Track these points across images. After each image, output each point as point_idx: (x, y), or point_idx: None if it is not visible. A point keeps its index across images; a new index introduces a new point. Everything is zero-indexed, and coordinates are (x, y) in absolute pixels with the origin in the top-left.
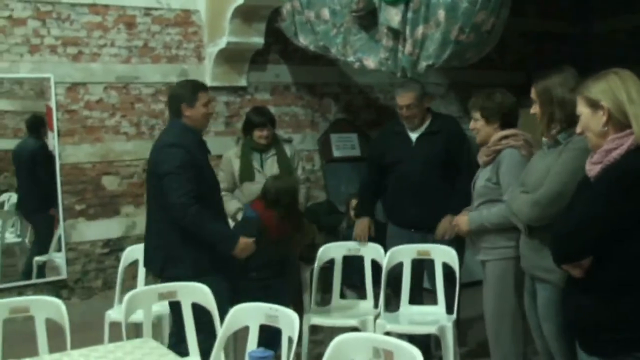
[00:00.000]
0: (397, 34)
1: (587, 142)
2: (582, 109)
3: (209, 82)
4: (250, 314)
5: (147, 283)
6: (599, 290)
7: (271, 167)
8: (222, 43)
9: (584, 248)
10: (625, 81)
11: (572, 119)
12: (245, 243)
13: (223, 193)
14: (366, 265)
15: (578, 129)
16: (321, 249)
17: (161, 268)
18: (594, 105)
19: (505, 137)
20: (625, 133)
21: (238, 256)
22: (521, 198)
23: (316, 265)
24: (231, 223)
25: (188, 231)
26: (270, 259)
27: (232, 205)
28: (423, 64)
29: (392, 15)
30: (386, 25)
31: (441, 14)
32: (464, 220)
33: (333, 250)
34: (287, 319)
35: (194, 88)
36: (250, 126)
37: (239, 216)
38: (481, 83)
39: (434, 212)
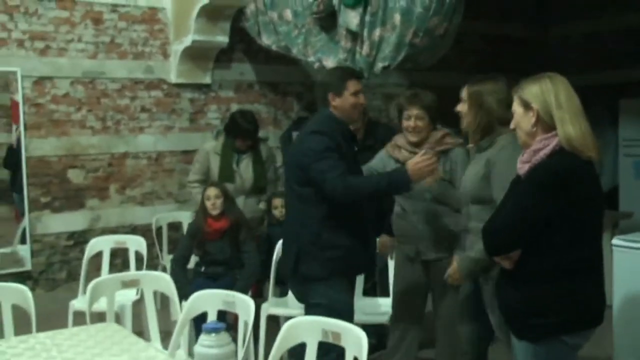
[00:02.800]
0: (355, 36)
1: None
2: (516, 108)
3: (173, 79)
4: (208, 300)
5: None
6: (526, 279)
7: (246, 168)
8: (187, 41)
9: (513, 241)
10: (556, 86)
11: (494, 127)
12: (413, 164)
13: (195, 185)
14: None
15: (511, 125)
16: (280, 242)
17: (294, 266)
18: (526, 105)
19: (446, 135)
20: (552, 134)
21: (419, 179)
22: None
23: (275, 257)
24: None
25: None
26: (216, 257)
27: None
28: (379, 65)
29: (351, 18)
30: (345, 27)
31: (397, 17)
32: (454, 269)
33: None
34: (243, 304)
35: (343, 76)
36: (235, 131)
37: None
38: (440, 84)
39: None
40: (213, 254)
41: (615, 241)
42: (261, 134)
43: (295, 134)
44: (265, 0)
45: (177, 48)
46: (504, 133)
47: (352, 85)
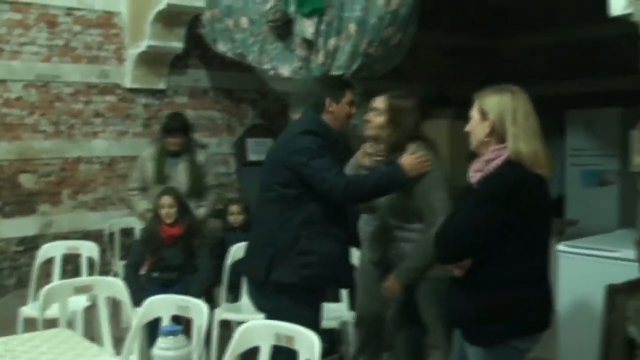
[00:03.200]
0: (310, 45)
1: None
2: (474, 113)
3: (128, 84)
4: (162, 305)
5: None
6: (479, 288)
7: (181, 172)
8: (142, 46)
9: (466, 250)
10: (516, 102)
11: (405, 144)
12: (409, 160)
13: (134, 192)
14: None
15: (466, 129)
16: (234, 247)
17: (266, 272)
18: (483, 114)
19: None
20: (504, 145)
21: (415, 174)
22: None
23: (228, 263)
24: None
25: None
26: (170, 262)
27: (141, 205)
28: (334, 74)
29: (307, 27)
30: (300, 35)
31: (352, 27)
32: (392, 281)
33: (244, 249)
34: (197, 309)
35: (342, 84)
36: (165, 131)
37: (148, 216)
38: None
39: None
40: (167, 260)
41: (560, 247)
42: (204, 140)
43: (249, 141)
44: (221, 8)
45: (133, 53)
46: (412, 147)
47: (349, 95)
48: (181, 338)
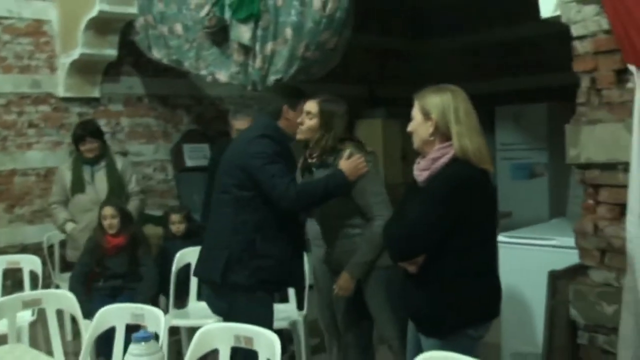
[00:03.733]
0: (247, 50)
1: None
2: (416, 114)
3: (62, 93)
4: (115, 315)
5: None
6: (432, 283)
7: (101, 179)
8: (75, 54)
9: (419, 247)
10: (456, 100)
11: (336, 146)
12: (347, 165)
13: (54, 205)
14: None
15: (408, 129)
16: (178, 255)
17: (222, 274)
18: (426, 114)
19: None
20: (449, 144)
21: (355, 177)
22: None
23: (174, 269)
24: (60, 235)
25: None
26: (115, 271)
27: (61, 215)
28: (272, 78)
29: (243, 32)
30: (237, 41)
31: (288, 32)
32: (346, 280)
33: (189, 256)
34: (152, 316)
35: (299, 93)
36: (77, 140)
37: (67, 227)
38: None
39: None
40: (111, 269)
41: (500, 238)
42: (125, 148)
43: (185, 147)
44: (155, 14)
45: (65, 61)
46: (343, 149)
47: (301, 105)
48: (153, 344)
